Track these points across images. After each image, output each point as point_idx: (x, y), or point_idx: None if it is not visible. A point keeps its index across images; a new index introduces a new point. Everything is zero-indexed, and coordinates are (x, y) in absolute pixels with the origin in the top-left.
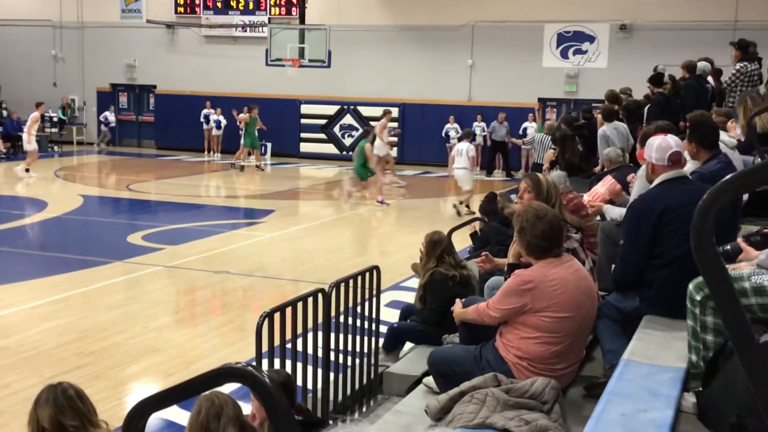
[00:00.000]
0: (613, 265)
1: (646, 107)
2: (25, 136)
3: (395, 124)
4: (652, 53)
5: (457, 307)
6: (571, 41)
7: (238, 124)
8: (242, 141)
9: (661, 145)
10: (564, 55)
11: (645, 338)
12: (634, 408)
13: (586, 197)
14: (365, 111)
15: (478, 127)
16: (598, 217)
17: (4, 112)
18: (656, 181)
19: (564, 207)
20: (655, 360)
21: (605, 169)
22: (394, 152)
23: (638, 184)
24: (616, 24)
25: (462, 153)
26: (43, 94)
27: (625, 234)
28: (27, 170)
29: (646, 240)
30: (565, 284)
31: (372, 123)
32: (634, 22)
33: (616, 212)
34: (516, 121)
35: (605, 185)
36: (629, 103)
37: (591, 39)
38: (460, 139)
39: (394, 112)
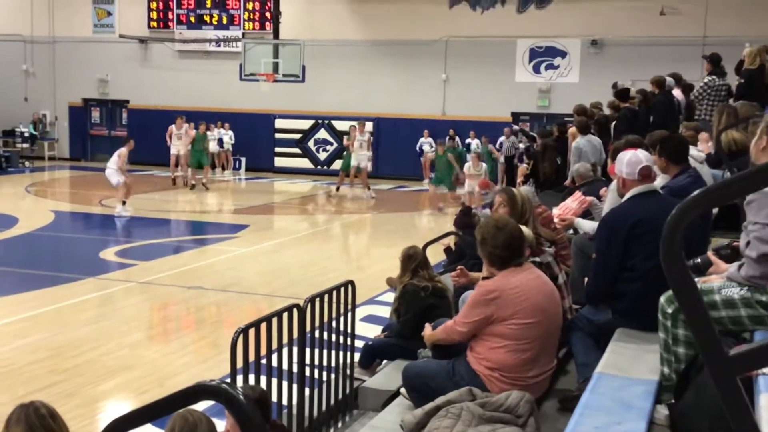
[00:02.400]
0: (586, 278)
1: (614, 122)
2: (112, 171)
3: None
4: (622, 68)
5: (427, 331)
6: (543, 56)
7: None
8: (188, 159)
9: (631, 159)
10: (536, 70)
11: (618, 351)
12: (608, 421)
13: (556, 211)
14: (339, 125)
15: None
16: (571, 231)
17: None
18: (627, 195)
19: (537, 220)
20: (628, 373)
21: (575, 183)
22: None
23: (610, 198)
24: (587, 39)
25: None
26: (14, 109)
27: (598, 247)
28: (124, 203)
29: (617, 253)
30: (527, 290)
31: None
32: (604, 37)
33: (587, 226)
34: (489, 135)
35: (575, 200)
36: (600, 117)
37: (563, 54)
38: None
39: (368, 126)
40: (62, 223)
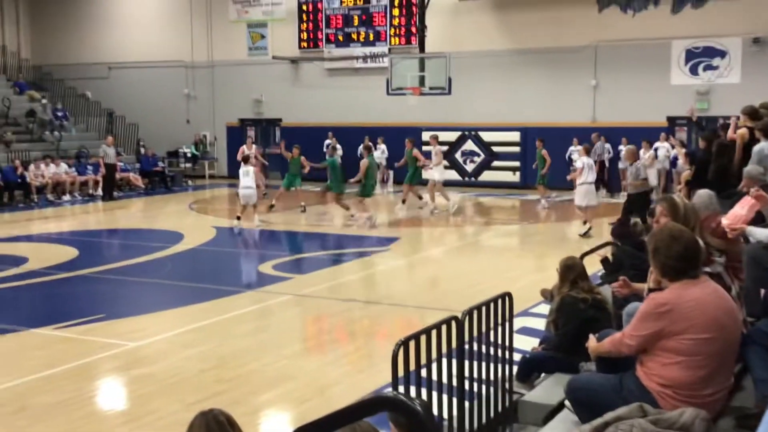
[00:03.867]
0: (763, 290)
1: None
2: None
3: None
4: None
5: (592, 342)
6: (701, 57)
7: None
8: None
9: None
10: (693, 71)
11: None
12: None
13: (725, 220)
14: (487, 136)
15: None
16: (741, 239)
17: (142, 150)
18: None
19: (705, 229)
20: None
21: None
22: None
23: None
24: (749, 37)
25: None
26: (177, 131)
27: None
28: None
29: None
30: (703, 305)
31: (494, 149)
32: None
33: (761, 234)
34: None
35: (745, 206)
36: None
37: (722, 54)
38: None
39: (516, 136)
40: (223, 239)
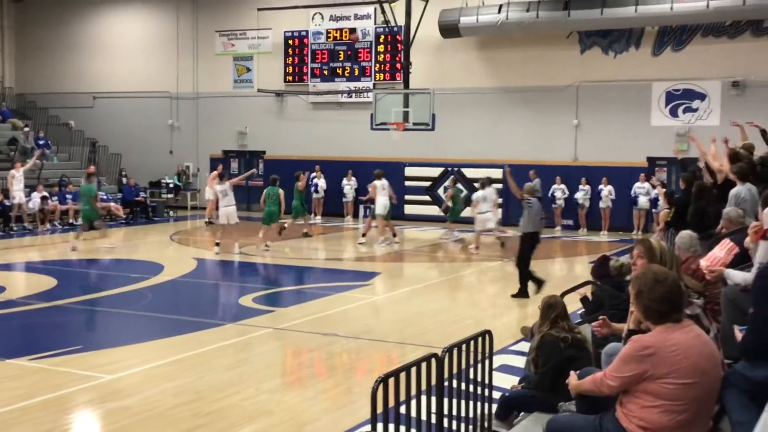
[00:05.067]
0: (738, 332)
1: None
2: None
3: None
4: (767, 110)
5: (572, 380)
6: (681, 99)
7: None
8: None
9: None
10: (673, 113)
11: None
12: None
13: (703, 262)
14: (470, 173)
15: (583, 190)
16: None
17: (124, 179)
18: None
19: (686, 271)
20: None
21: (723, 230)
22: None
23: (764, 248)
24: (728, 81)
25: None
26: (160, 161)
27: (755, 301)
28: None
29: None
30: (686, 349)
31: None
32: (746, 78)
33: (739, 277)
34: (624, 181)
35: (723, 248)
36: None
37: (702, 96)
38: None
39: (499, 173)
40: (203, 270)
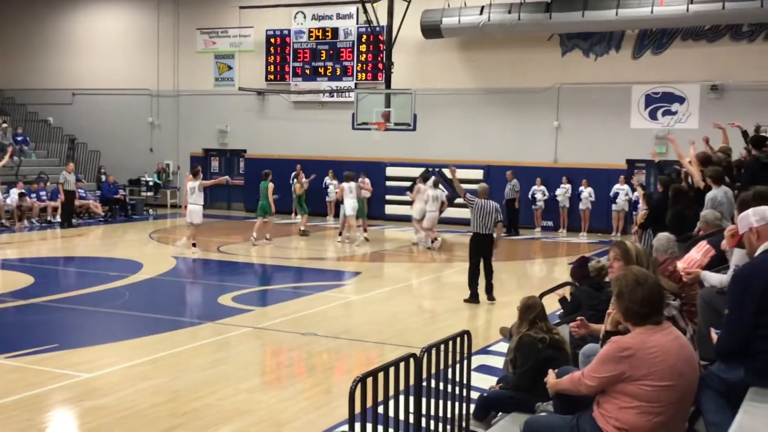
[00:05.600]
0: (714, 334)
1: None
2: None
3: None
4: (745, 113)
5: (551, 378)
6: (660, 102)
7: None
8: (303, 207)
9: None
10: (653, 116)
11: (752, 411)
12: None
13: (680, 264)
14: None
15: (564, 188)
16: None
17: (103, 177)
18: (761, 248)
19: (660, 273)
20: None
21: (700, 232)
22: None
23: (738, 251)
24: (707, 84)
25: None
26: (140, 159)
27: (730, 303)
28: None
29: (751, 310)
30: (665, 352)
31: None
32: (725, 82)
33: (715, 279)
34: (604, 182)
35: (700, 251)
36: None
37: (681, 100)
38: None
39: (479, 173)
40: (182, 269)
